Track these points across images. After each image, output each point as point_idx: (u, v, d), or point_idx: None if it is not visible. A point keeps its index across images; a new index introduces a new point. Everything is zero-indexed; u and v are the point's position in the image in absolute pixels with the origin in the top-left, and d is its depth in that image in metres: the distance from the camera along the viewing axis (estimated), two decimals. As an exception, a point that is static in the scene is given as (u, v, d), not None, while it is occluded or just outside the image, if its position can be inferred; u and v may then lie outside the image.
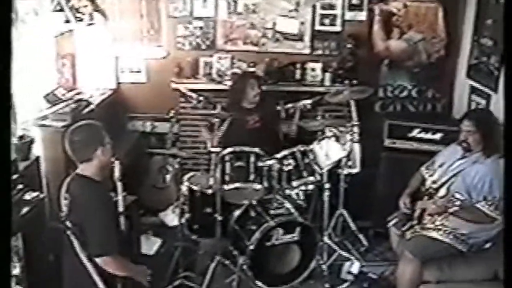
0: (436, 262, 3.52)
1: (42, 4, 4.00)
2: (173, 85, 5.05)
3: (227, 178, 3.90)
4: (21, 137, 3.54)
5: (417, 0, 4.97)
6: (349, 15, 5.02)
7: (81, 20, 4.39)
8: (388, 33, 5.02)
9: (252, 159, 3.94)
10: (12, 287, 2.98)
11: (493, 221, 3.34)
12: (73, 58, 4.69)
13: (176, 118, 5.03)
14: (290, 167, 3.99)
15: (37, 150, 3.71)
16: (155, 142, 5.31)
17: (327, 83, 5.06)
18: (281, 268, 4.04)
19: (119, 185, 2.87)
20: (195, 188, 4.07)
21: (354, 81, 4.90)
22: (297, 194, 4.30)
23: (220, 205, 3.88)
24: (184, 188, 4.09)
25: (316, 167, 4.03)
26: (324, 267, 4.15)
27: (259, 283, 3.93)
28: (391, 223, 3.81)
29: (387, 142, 4.65)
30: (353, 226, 4.60)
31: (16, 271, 3.12)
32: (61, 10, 4.09)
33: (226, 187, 3.89)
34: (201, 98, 5.05)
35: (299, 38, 5.08)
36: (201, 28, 5.06)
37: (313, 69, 5.10)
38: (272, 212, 4.06)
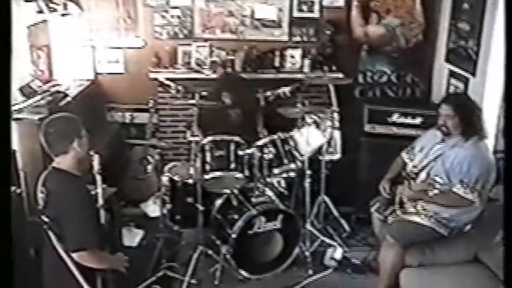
0: (418, 246, 3.54)
1: (14, -7, 3.91)
2: (152, 75, 5.00)
3: (207, 167, 3.89)
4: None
5: (395, -15, 4.98)
6: (327, 1, 5.00)
7: (54, 10, 4.30)
8: (366, 19, 5.01)
9: (232, 147, 3.93)
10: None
11: (471, 204, 3.37)
12: (48, 50, 4.60)
13: (155, 108, 4.98)
14: (270, 155, 3.98)
15: (13, 144, 3.64)
16: (135, 133, 5.26)
17: (306, 69, 5.05)
18: (264, 256, 4.04)
19: (98, 178, 2.82)
20: (176, 178, 4.05)
21: (334, 67, 4.91)
22: (278, 181, 4.30)
23: (202, 194, 3.87)
24: (165, 178, 4.07)
25: (297, 154, 4.03)
26: (307, 253, 4.16)
27: (243, 272, 3.94)
28: (373, 208, 3.83)
29: (367, 128, 4.67)
30: (335, 212, 4.63)
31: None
32: (33, 0, 4.01)
33: (207, 176, 3.88)
34: (179, 87, 5.01)
35: (278, 25, 5.05)
36: (178, 17, 5.01)
37: (292, 56, 5.08)
38: (253, 200, 4.06)
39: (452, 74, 4.70)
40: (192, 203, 3.97)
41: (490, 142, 3.70)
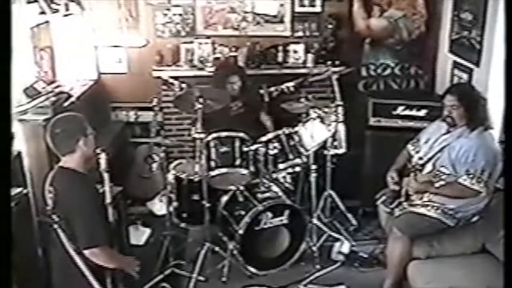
0: (425, 238, 3.54)
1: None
2: (155, 73, 5.00)
3: (213, 164, 3.88)
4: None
5: (396, -23, 4.96)
6: (328, -5, 4.99)
7: (56, 11, 4.30)
8: (369, 12, 5.00)
9: (237, 144, 3.92)
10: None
11: (478, 194, 3.36)
12: (51, 51, 4.60)
13: (159, 106, 4.99)
14: (275, 151, 3.96)
15: (19, 145, 3.65)
16: (140, 131, 5.29)
17: (309, 64, 5.04)
18: (272, 252, 4.04)
19: (105, 176, 2.83)
20: (181, 176, 4.05)
21: (337, 61, 4.91)
22: (284, 177, 4.30)
23: (207, 191, 3.85)
24: (170, 176, 4.07)
25: (302, 149, 4.01)
26: (314, 248, 4.16)
27: (250, 268, 3.94)
28: (379, 201, 3.82)
29: (372, 121, 4.66)
30: (341, 206, 4.62)
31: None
32: (35, 1, 4.00)
33: (212, 173, 3.87)
34: (183, 85, 5.01)
35: (280, 20, 5.05)
36: (180, 14, 5.01)
37: (295, 51, 5.09)
38: (259, 196, 4.06)
39: (456, 65, 4.68)
40: (198, 200, 3.96)
41: (495, 133, 3.68)
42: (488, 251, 3.44)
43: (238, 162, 3.92)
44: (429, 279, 3.32)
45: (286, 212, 3.94)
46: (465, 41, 4.47)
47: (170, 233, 4.15)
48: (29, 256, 3.41)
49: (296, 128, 4.06)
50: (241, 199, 4.10)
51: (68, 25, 4.77)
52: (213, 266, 4.01)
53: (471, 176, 3.31)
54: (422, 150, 3.66)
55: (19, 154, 3.60)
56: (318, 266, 4.10)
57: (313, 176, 4.20)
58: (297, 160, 4.05)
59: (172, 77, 5.01)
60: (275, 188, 4.20)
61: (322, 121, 4.17)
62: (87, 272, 2.66)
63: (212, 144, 3.90)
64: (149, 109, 5.01)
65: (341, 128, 4.38)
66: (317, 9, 5.02)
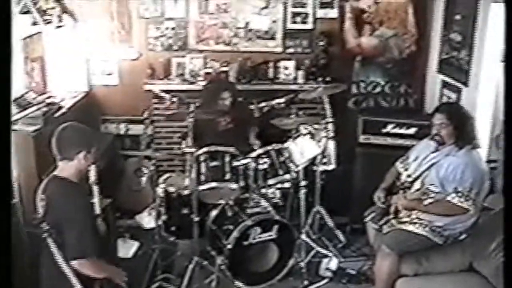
0: (413, 255, 3.55)
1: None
2: (146, 86, 5.01)
3: (202, 178, 3.88)
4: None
5: (387, -4, 5.03)
6: (320, 12, 5.05)
7: (49, 22, 4.32)
8: (360, 30, 5.06)
9: (227, 158, 3.93)
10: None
11: (466, 212, 3.38)
12: (42, 61, 4.61)
13: (150, 119, 4.98)
14: (265, 166, 3.98)
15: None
16: (130, 144, 5.27)
17: (300, 81, 5.08)
18: (260, 267, 4.03)
19: (95, 188, 2.84)
20: (171, 189, 4.04)
21: (327, 78, 4.94)
22: (273, 192, 4.29)
23: (197, 205, 3.86)
24: (160, 189, 4.07)
25: (291, 165, 4.03)
26: (302, 264, 4.15)
27: (238, 283, 3.93)
28: (368, 218, 3.83)
29: (362, 138, 4.68)
30: (330, 222, 4.62)
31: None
32: (28, 12, 4.01)
33: (202, 187, 3.87)
34: (174, 99, 5.02)
35: (271, 36, 5.09)
36: (172, 28, 5.03)
37: (286, 68, 5.12)
38: (249, 211, 4.05)
39: (444, 84, 4.74)
40: (187, 214, 3.95)
41: (483, 152, 3.72)
42: (476, 269, 3.45)
43: (228, 176, 3.92)
44: (417, 297, 3.33)
45: (275, 228, 3.94)
46: (454, 61, 4.53)
47: (159, 246, 4.13)
48: (16, 266, 3.36)
49: (286, 144, 4.08)
50: (230, 213, 4.10)
51: (61, 37, 4.78)
52: (201, 280, 3.99)
53: (459, 194, 3.33)
54: (411, 168, 3.69)
55: (7, 164, 3.57)
56: (306, 282, 4.08)
57: (302, 192, 4.21)
58: (287, 176, 4.06)
59: (163, 91, 5.02)
60: (264, 203, 4.20)
61: (312, 137, 4.19)
62: (75, 282, 2.65)
63: (202, 158, 3.91)
64: (140, 122, 5.01)
65: (331, 144, 4.39)
66: (309, 26, 5.07)
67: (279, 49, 5.12)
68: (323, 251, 4.42)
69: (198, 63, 5.07)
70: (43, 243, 2.68)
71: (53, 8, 4.45)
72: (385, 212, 3.70)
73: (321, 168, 4.41)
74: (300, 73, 5.08)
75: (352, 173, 4.70)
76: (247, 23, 5.03)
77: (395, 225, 3.62)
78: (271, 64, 5.10)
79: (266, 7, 4.99)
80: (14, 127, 3.73)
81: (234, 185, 3.94)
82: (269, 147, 4.04)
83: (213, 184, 3.89)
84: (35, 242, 2.81)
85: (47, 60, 4.68)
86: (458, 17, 4.46)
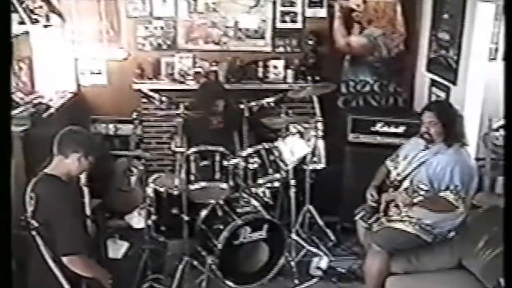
0: (403, 254, 3.56)
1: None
2: (135, 86, 4.99)
3: (192, 178, 3.87)
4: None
5: (376, -4, 5.04)
6: (309, 12, 5.06)
7: (36, 21, 4.28)
8: (349, 29, 5.06)
9: (217, 158, 3.92)
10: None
11: (455, 209, 3.40)
12: (30, 61, 4.57)
13: (139, 119, 4.97)
14: (255, 165, 3.97)
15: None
16: (119, 144, 5.24)
17: (289, 80, 5.08)
18: (250, 266, 4.02)
19: (85, 190, 2.84)
20: (160, 189, 4.02)
21: (317, 78, 4.95)
22: (263, 191, 4.29)
23: (187, 205, 3.84)
24: (149, 189, 4.05)
25: (281, 164, 4.03)
26: (292, 263, 4.16)
27: (229, 282, 3.92)
28: (358, 216, 3.84)
29: (351, 137, 4.69)
30: (320, 221, 4.63)
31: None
32: (15, 11, 3.98)
33: (192, 187, 3.86)
34: (163, 98, 5.00)
35: (261, 36, 5.09)
36: (161, 28, 5.02)
37: (275, 67, 5.11)
38: (239, 210, 4.04)
39: (433, 83, 4.76)
40: (177, 214, 3.94)
41: (471, 150, 3.74)
42: (465, 267, 3.47)
43: (217, 176, 3.91)
44: (407, 294, 3.35)
45: (265, 227, 3.93)
46: (442, 60, 4.55)
47: (149, 247, 4.11)
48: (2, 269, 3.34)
49: (276, 143, 4.08)
50: (220, 213, 4.09)
51: (48, 36, 4.74)
52: (191, 280, 3.98)
53: (454, 192, 3.35)
54: (400, 166, 3.70)
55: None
56: (296, 281, 4.09)
57: (292, 191, 4.21)
58: (277, 175, 4.06)
59: (152, 90, 5.00)
60: (254, 202, 4.19)
61: (302, 136, 4.20)
62: (63, 281, 2.64)
63: (192, 158, 3.90)
64: (129, 122, 4.99)
65: (321, 143, 4.41)
66: (298, 25, 5.07)
67: (269, 48, 5.12)
68: (314, 250, 4.43)
69: (187, 63, 5.05)
70: (31, 242, 2.67)
71: (40, 7, 4.41)
72: (375, 211, 3.71)
73: (311, 167, 4.42)
74: (290, 72, 5.08)
75: (341, 172, 4.71)
76: (236, 22, 5.03)
77: (385, 223, 3.63)
78: (260, 64, 5.09)
79: (255, 6, 4.99)
80: (2, 127, 3.70)
81: (224, 185, 3.93)
82: (259, 146, 4.04)
83: (203, 184, 3.88)
84: (21, 243, 2.79)
85: (35, 60, 4.64)
86: (446, 16, 4.49)
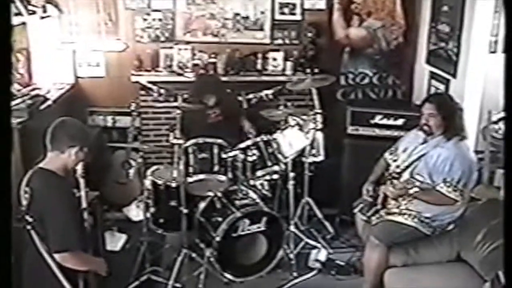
0: (402, 246, 3.56)
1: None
2: (133, 78, 4.96)
3: (191, 170, 3.86)
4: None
5: (376, -12, 5.02)
6: (308, 3, 5.04)
7: (33, 12, 4.25)
8: (348, 21, 5.05)
9: (215, 150, 3.90)
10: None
11: (454, 202, 3.40)
12: (27, 53, 4.54)
13: (137, 111, 4.95)
14: (254, 157, 3.95)
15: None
16: (117, 136, 5.23)
17: (288, 72, 5.06)
18: (249, 259, 4.02)
19: (81, 181, 2.82)
20: (159, 181, 4.01)
21: (316, 70, 4.93)
22: (262, 184, 4.27)
23: (185, 197, 3.83)
24: (147, 182, 4.03)
25: (280, 157, 4.01)
26: (291, 256, 4.16)
27: (227, 275, 3.92)
28: (356, 209, 3.83)
29: (350, 129, 4.69)
30: (319, 214, 4.63)
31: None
32: (12, 1, 3.94)
33: (190, 179, 3.84)
34: (162, 90, 4.98)
35: (259, 28, 5.06)
36: (160, 19, 4.99)
37: (274, 59, 5.09)
38: (237, 203, 4.04)
39: (433, 75, 4.75)
40: (175, 206, 3.92)
41: (470, 143, 3.73)
42: (463, 259, 3.47)
43: (216, 168, 3.90)
44: (406, 287, 3.34)
45: (264, 219, 3.93)
46: (442, 52, 4.54)
47: (147, 239, 4.10)
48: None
49: (275, 135, 4.06)
50: (218, 205, 4.08)
51: (46, 28, 4.71)
52: (189, 273, 3.98)
53: (448, 184, 3.34)
54: (399, 158, 3.69)
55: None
56: (295, 274, 4.09)
57: (291, 184, 4.20)
58: (275, 167, 4.04)
59: (150, 82, 4.98)
60: (253, 195, 4.19)
61: (301, 128, 4.18)
62: (59, 274, 2.63)
63: (190, 150, 3.88)
64: (127, 114, 4.97)
65: (319, 136, 4.39)
66: (297, 17, 5.05)
67: (267, 40, 5.10)
68: (312, 242, 4.43)
69: (186, 55, 5.03)
70: (27, 236, 2.65)
71: (36, -2, 4.38)
72: (374, 203, 3.70)
73: (310, 159, 4.41)
74: (289, 64, 5.06)
75: (340, 164, 4.71)
76: (235, 14, 5.00)
77: (383, 216, 3.62)
78: (259, 56, 5.07)
79: (255, -4, 4.97)
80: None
81: (222, 177, 3.91)
82: (257, 139, 4.02)
83: (202, 176, 3.86)
84: (17, 237, 2.78)
85: (32, 51, 4.62)
86: (445, 8, 4.47)
